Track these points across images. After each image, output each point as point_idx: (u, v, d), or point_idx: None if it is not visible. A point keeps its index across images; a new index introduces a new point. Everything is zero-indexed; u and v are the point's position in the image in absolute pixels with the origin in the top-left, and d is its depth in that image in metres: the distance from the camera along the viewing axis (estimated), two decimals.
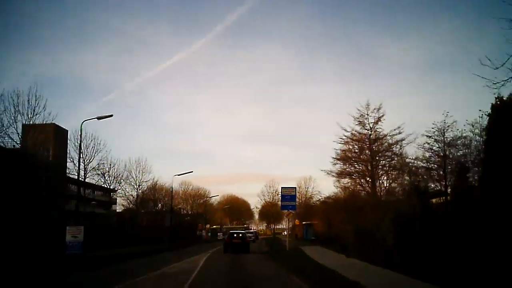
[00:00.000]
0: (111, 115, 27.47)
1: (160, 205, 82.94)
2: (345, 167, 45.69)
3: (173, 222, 44.72)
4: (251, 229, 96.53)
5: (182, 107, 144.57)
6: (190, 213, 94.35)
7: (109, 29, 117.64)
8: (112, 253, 29.92)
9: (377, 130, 42.14)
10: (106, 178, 53.04)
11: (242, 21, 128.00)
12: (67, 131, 60.26)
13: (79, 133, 53.90)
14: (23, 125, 50.04)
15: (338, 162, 45.24)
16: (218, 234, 78.84)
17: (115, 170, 56.27)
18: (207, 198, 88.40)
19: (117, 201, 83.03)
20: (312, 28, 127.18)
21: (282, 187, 29.19)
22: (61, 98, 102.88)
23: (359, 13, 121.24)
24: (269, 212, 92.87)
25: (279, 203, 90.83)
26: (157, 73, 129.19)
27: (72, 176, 61.19)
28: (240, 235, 34.28)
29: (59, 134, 58.35)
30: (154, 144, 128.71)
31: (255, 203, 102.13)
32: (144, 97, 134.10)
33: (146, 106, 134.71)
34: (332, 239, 37.98)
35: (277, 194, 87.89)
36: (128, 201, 61.95)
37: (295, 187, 29.78)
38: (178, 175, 46.71)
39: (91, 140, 51.34)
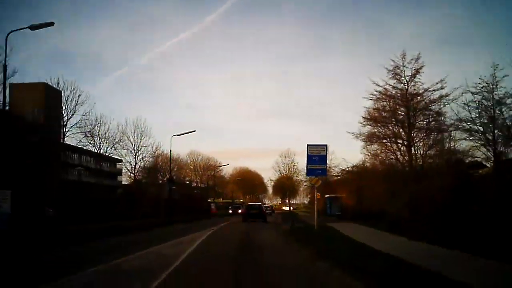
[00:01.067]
0: (52, 23, 19.89)
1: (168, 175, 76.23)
2: (375, 130, 38.35)
3: (174, 194, 37.12)
4: (265, 203, 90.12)
5: (193, 83, 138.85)
6: (199, 185, 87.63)
7: (119, 4, 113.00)
8: (90, 228, 22.91)
9: (416, 84, 34.79)
10: (95, 140, 44.68)
11: None
12: (61, 92, 53.35)
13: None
14: (10, 85, 43.90)
15: (368, 123, 37.87)
16: (230, 207, 72.05)
17: (106, 130, 47.74)
18: (217, 167, 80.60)
19: (123, 171, 76.78)
20: (324, 1, 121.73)
21: (308, 145, 21.24)
22: (72, 74, 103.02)
23: None
24: (285, 185, 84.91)
25: (295, 176, 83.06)
26: (167, 49, 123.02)
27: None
28: (257, 206, 39.78)
29: (51, 95, 51.22)
30: (164, 120, 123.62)
31: (269, 177, 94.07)
32: (155, 73, 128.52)
33: (157, 82, 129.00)
34: (365, 215, 30.65)
35: (294, 166, 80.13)
36: (126, 169, 54.28)
37: (326, 145, 21.71)
38: (178, 135, 38.88)
39: (71, 92, 42.37)
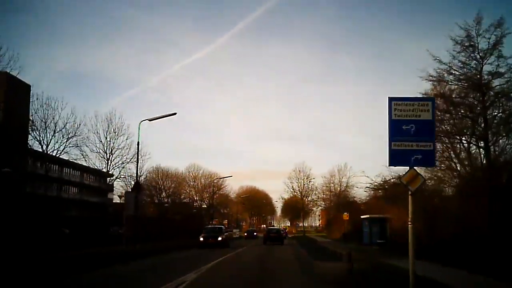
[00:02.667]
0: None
1: (164, 194, 64.07)
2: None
3: (139, 210, 24.07)
4: (274, 226, 77.44)
5: (203, 104, 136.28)
6: (201, 205, 75.26)
7: (132, 25, 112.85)
8: None
9: (498, 60, 23.67)
10: (37, 126, 32.23)
11: (264, 20, 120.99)
12: (30, 86, 42.31)
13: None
14: None
15: None
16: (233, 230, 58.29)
17: (54, 118, 34.96)
18: (219, 179, 66.28)
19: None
20: (334, 26, 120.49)
21: (391, 99, 9.30)
22: (84, 93, 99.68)
23: (381, 10, 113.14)
24: (298, 205, 71.96)
25: (311, 195, 69.65)
26: (179, 70, 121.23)
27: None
28: (276, 230, 41.90)
29: (15, 88, 40.11)
30: (174, 141, 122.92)
31: (280, 195, 78.36)
32: (166, 93, 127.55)
33: (168, 103, 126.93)
34: (435, 248, 18.52)
35: (309, 181, 67.55)
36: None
37: (432, 99, 9.89)
38: (150, 120, 25.52)
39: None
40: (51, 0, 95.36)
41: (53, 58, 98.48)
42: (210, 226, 41.34)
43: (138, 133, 25.92)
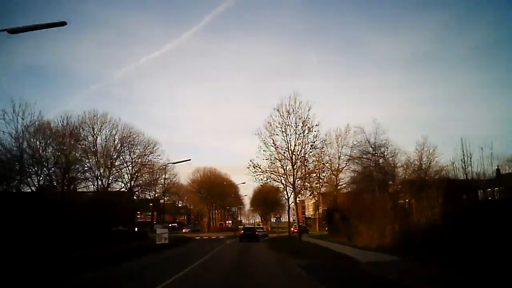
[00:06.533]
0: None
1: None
2: None
3: None
4: (242, 221, 50.09)
5: (169, 98, 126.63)
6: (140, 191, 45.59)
7: (97, 19, 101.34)
8: None
9: None
10: None
11: (230, 14, 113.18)
12: None
13: None
14: None
15: None
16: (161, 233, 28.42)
17: None
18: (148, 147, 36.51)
19: None
20: (300, 21, 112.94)
21: None
22: (48, 87, 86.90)
23: (349, 6, 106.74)
24: (285, 182, 33.76)
25: (307, 164, 21.02)
26: (144, 64, 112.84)
27: None
28: (251, 228, 44.19)
29: None
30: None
31: (251, 161, 38.23)
32: (131, 88, 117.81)
33: (133, 97, 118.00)
34: None
35: (311, 132, 29.73)
36: None
37: None
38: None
39: None
40: None
41: (14, 52, 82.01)
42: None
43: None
